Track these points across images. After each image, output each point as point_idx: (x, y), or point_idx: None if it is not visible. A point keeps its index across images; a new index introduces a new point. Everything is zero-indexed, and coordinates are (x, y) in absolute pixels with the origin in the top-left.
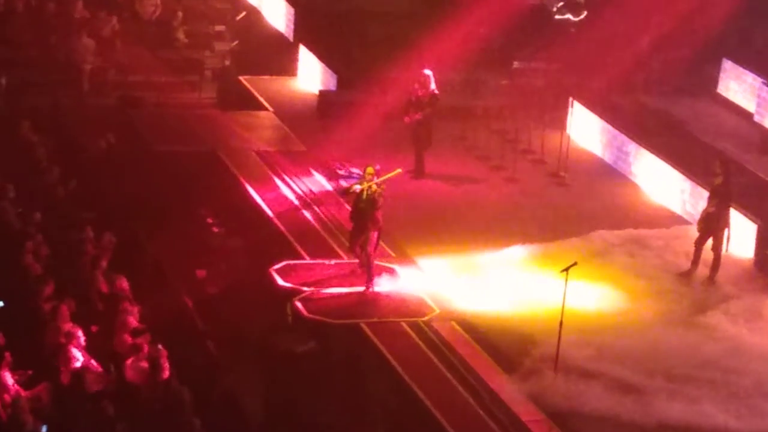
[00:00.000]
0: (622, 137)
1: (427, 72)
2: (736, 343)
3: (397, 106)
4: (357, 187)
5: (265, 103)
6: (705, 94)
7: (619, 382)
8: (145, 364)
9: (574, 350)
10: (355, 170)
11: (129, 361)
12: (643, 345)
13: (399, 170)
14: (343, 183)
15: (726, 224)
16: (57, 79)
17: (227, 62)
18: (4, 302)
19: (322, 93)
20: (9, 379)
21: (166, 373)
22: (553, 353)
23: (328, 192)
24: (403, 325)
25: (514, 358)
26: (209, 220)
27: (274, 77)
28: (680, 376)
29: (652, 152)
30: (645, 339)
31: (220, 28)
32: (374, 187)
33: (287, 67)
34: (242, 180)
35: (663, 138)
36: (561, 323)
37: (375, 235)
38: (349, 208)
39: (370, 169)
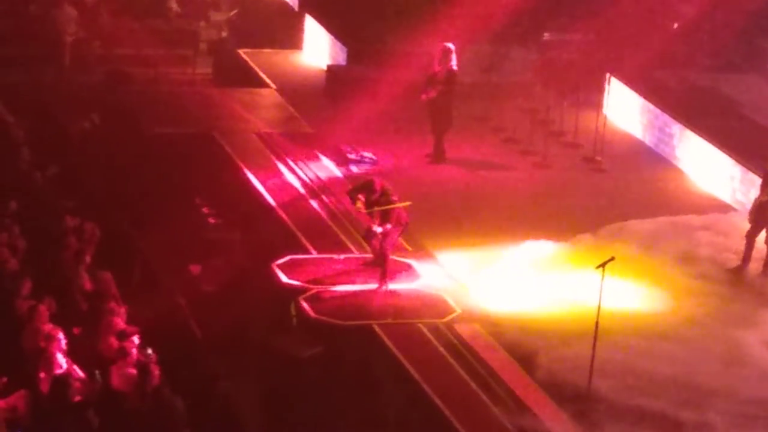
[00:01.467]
0: (665, 117)
1: (449, 46)
2: None
3: (413, 83)
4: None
5: (267, 80)
6: (758, 70)
7: (652, 410)
8: (133, 370)
9: (612, 355)
10: (368, 154)
11: (115, 367)
12: (687, 353)
13: (408, 203)
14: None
15: None
16: (35, 53)
17: (224, 34)
18: None
19: (330, 68)
20: None
21: (157, 380)
22: (588, 357)
23: (336, 179)
24: (421, 326)
25: (544, 364)
26: (205, 210)
27: (276, 50)
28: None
29: (698, 134)
30: (690, 345)
31: None
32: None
33: (292, 40)
34: (241, 165)
35: (711, 118)
36: (597, 325)
37: (397, 232)
38: None
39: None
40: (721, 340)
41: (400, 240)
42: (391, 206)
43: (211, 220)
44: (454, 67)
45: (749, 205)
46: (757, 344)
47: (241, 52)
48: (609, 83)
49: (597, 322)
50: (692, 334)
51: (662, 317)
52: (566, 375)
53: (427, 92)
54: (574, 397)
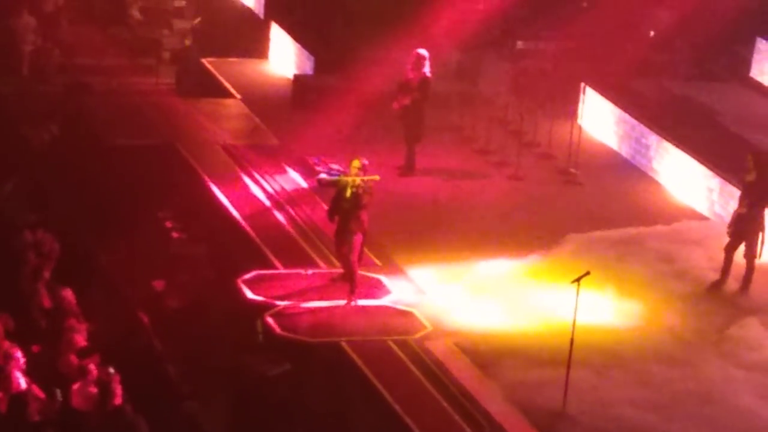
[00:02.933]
0: (642, 128)
1: (423, 52)
2: None
3: (383, 93)
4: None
5: (232, 90)
6: (736, 79)
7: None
8: (94, 389)
9: (587, 374)
10: (336, 166)
11: (76, 386)
12: (664, 371)
13: (377, 177)
14: (324, 176)
15: (760, 227)
16: None
17: (188, 42)
18: None
19: (297, 78)
20: None
21: (119, 400)
22: (563, 376)
23: (304, 191)
24: (391, 344)
25: (517, 382)
26: (168, 224)
27: (242, 59)
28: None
29: (675, 145)
30: (669, 362)
31: (180, 3)
32: (358, 182)
33: (257, 49)
34: (206, 178)
35: (688, 129)
36: (572, 342)
37: (358, 239)
38: (326, 207)
39: (356, 163)
40: (699, 358)
41: (370, 254)
42: (368, 178)
43: (175, 234)
44: (428, 74)
45: (728, 218)
46: (733, 363)
47: (205, 61)
48: (584, 93)
49: (572, 339)
50: (668, 353)
51: (637, 334)
52: (539, 392)
53: (399, 100)
54: (547, 416)
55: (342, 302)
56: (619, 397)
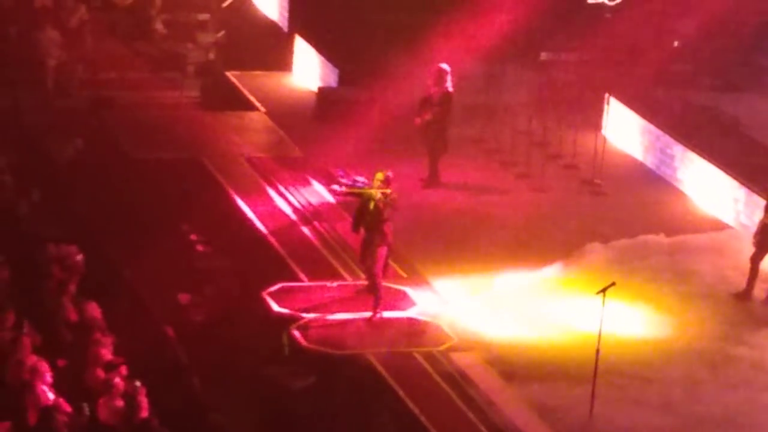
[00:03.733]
0: (666, 138)
1: (445, 67)
2: None
3: (407, 106)
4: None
5: (257, 103)
6: (760, 89)
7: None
8: (120, 403)
9: (611, 392)
10: (360, 179)
11: (102, 399)
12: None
13: (388, 190)
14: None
15: None
16: (17, 77)
17: (212, 56)
18: None
19: (321, 90)
20: None
21: (145, 413)
22: (589, 389)
23: (328, 204)
24: (417, 356)
25: (543, 393)
26: (193, 238)
27: (266, 73)
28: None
29: (700, 155)
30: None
31: (203, 16)
32: (378, 195)
33: (281, 61)
34: (230, 191)
35: (713, 139)
36: (598, 353)
37: (382, 252)
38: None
39: (380, 175)
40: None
41: (395, 266)
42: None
43: (200, 248)
44: (450, 89)
45: (753, 228)
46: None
47: (229, 74)
48: (608, 104)
49: (598, 350)
50: (695, 365)
51: (665, 345)
52: (565, 405)
53: (422, 115)
54: (574, 428)
55: (367, 314)
56: (643, 422)
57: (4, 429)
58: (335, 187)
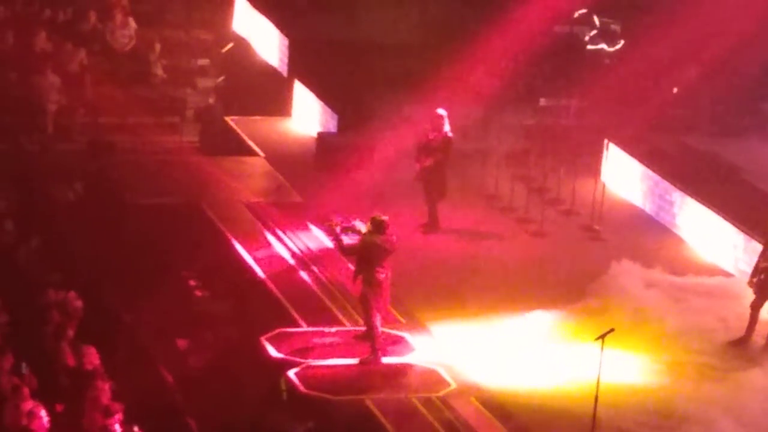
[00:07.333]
0: (665, 184)
1: (441, 112)
2: None
3: (406, 151)
4: (349, 239)
5: (256, 148)
6: (760, 135)
7: None
8: None
9: None
10: (359, 224)
11: None
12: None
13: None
14: (346, 239)
15: None
16: (17, 121)
17: (212, 101)
18: None
19: (320, 136)
20: None
21: None
22: None
23: (327, 249)
24: (415, 401)
25: None
26: (192, 283)
27: (265, 118)
28: None
29: (700, 201)
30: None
31: (203, 61)
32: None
33: (281, 107)
34: (229, 236)
35: (712, 185)
36: (596, 399)
37: (379, 297)
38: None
39: (376, 219)
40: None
41: (393, 312)
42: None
43: (199, 293)
44: (449, 134)
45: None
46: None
47: (228, 119)
48: (607, 149)
49: (596, 397)
50: (697, 415)
51: (661, 393)
52: None
53: (421, 160)
54: None
55: (366, 360)
56: None
57: None
58: (345, 239)
